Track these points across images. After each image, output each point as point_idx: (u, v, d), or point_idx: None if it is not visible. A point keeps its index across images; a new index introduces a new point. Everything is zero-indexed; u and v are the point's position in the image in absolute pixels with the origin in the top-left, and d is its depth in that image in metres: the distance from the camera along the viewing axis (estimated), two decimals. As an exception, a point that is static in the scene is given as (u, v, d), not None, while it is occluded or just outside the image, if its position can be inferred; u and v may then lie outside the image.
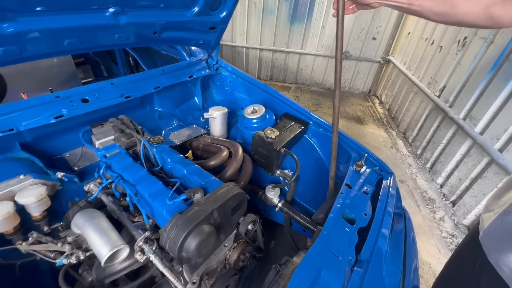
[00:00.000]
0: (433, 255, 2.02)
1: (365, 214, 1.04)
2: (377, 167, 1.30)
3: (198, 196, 0.88)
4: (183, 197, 0.86)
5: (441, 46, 3.01)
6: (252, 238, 1.24)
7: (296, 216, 1.28)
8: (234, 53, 5.03)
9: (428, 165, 2.95)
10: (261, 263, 1.40)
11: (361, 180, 1.20)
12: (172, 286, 0.99)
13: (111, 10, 1.03)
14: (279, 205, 1.31)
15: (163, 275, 1.05)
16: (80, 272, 0.96)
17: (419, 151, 3.17)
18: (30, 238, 0.84)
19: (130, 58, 3.01)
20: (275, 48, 4.79)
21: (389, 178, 1.25)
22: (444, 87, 2.87)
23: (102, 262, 0.72)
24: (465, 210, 2.28)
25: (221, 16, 1.42)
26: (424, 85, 3.27)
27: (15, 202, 0.93)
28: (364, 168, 1.27)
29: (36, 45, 0.93)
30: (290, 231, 1.45)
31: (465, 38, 2.59)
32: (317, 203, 1.38)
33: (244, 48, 4.92)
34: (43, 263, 1.08)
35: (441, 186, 2.68)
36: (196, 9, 1.28)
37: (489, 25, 0.71)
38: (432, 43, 3.20)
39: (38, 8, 0.86)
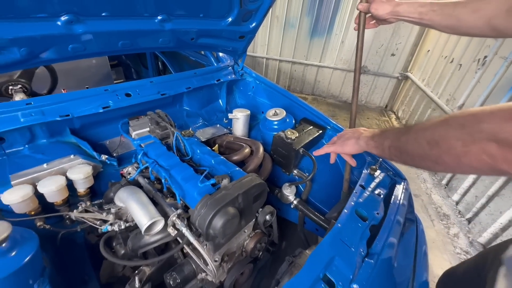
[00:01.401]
0: (445, 269, 1.99)
1: (378, 213, 1.10)
2: (391, 172, 1.35)
3: (225, 181, 0.98)
4: (212, 181, 0.97)
5: (461, 64, 3.03)
6: (267, 232, 1.32)
7: (310, 213, 1.35)
8: (255, 63, 5.23)
9: (444, 182, 2.92)
10: (273, 258, 1.46)
11: (374, 183, 1.26)
12: (193, 265, 1.08)
13: (159, 17, 1.19)
14: (295, 202, 1.39)
15: (184, 256, 1.15)
16: (114, 245, 1.08)
17: (435, 168, 3.14)
18: (79, 207, 0.97)
19: (159, 63, 3.23)
20: (294, 60, 4.94)
21: (402, 183, 1.30)
22: (463, 104, 2.88)
23: (143, 230, 0.83)
24: (481, 227, 2.25)
25: (250, 26, 1.56)
26: (442, 102, 3.28)
27: (66, 177, 1.07)
28: (378, 172, 1.33)
29: (97, 44, 1.10)
30: (303, 230, 1.51)
31: (485, 57, 2.62)
32: (331, 204, 1.44)
33: (264, 59, 5.11)
34: (79, 237, 1.21)
35: (457, 203, 2.65)
36: (230, 19, 1.43)
37: (495, 35, 0.78)
38: (452, 61, 3.23)
39: (104, 14, 1.02)
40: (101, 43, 1.10)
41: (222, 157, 1.18)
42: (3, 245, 0.71)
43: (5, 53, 0.90)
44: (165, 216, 0.95)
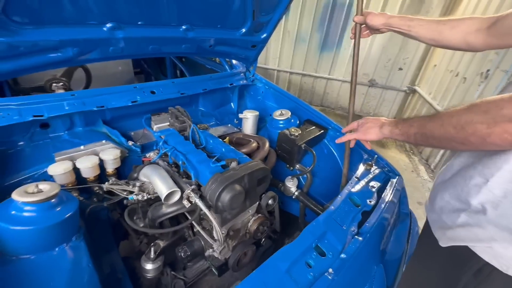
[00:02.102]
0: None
1: (370, 201, 1.21)
2: (386, 169, 1.46)
3: (234, 164, 1.13)
4: (222, 163, 1.12)
5: (465, 78, 3.12)
6: (270, 221, 1.45)
7: (310, 203, 1.47)
8: (266, 75, 5.47)
9: (449, 192, 2.94)
10: (275, 246, 1.57)
11: (370, 176, 1.37)
12: (202, 242, 1.22)
13: (183, 27, 1.40)
14: (296, 193, 1.52)
15: (194, 234, 1.29)
16: (134, 218, 1.23)
17: (441, 178, 3.17)
18: (110, 180, 1.14)
19: (178, 71, 3.50)
20: (304, 72, 5.16)
21: (396, 178, 1.41)
22: (468, 116, 2.94)
23: (163, 197, 0.99)
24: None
25: (262, 37, 1.77)
26: (448, 114, 3.34)
27: (99, 158, 1.25)
28: (374, 168, 1.44)
29: (132, 47, 1.31)
30: (304, 221, 1.62)
31: (488, 70, 2.71)
32: (330, 197, 1.56)
33: (276, 71, 5.35)
34: (103, 214, 1.37)
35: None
36: (244, 30, 1.63)
37: (468, 49, 0.96)
38: (457, 75, 3.33)
39: (139, 22, 1.24)
40: (135, 46, 1.32)
41: (231, 147, 1.34)
42: (53, 200, 0.88)
43: (62, 51, 1.12)
44: (181, 191, 1.10)
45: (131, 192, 1.09)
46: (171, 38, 1.40)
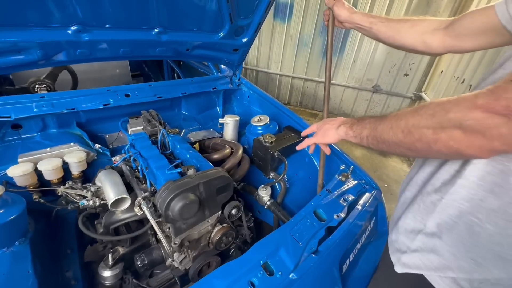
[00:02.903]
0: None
1: (337, 216, 1.13)
2: (363, 181, 1.37)
3: (191, 171, 1.09)
4: (179, 170, 1.08)
5: (471, 85, 2.95)
6: (239, 231, 1.39)
7: (281, 215, 1.39)
8: (268, 79, 5.43)
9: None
10: (247, 257, 1.51)
11: (342, 189, 1.29)
12: (162, 251, 1.18)
13: (156, 30, 1.38)
14: (268, 203, 1.45)
15: (157, 241, 1.25)
16: (95, 223, 1.21)
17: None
18: (66, 184, 1.12)
19: (175, 74, 3.53)
20: (307, 77, 5.07)
21: (372, 192, 1.31)
22: (473, 126, 2.77)
23: (109, 204, 0.96)
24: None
25: (243, 40, 1.73)
26: (453, 123, 3.16)
27: (63, 161, 1.25)
28: (349, 179, 1.35)
29: (101, 50, 1.30)
30: (278, 233, 1.55)
31: (494, 78, 2.53)
32: (306, 209, 1.48)
33: (278, 75, 5.30)
34: (71, 217, 1.36)
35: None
36: (222, 34, 1.60)
37: (423, 49, 0.89)
38: (463, 82, 3.15)
39: (107, 25, 1.23)
40: (104, 50, 1.31)
41: (197, 153, 1.30)
42: (-6, 203, 0.87)
43: (25, 54, 1.12)
44: (136, 198, 1.07)
45: (85, 197, 1.07)
46: (143, 41, 1.39)
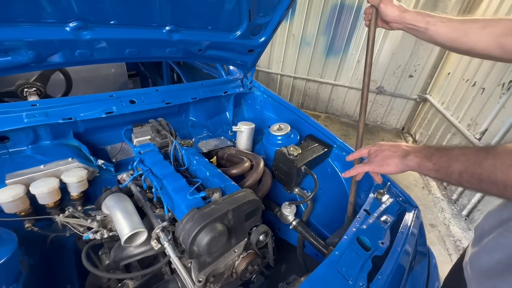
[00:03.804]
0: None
1: (382, 243, 0.99)
2: (401, 198, 1.24)
3: (216, 196, 0.93)
4: (202, 194, 0.92)
5: (484, 88, 2.88)
6: (262, 254, 1.24)
7: (310, 236, 1.25)
8: (269, 79, 5.28)
9: (464, 212, 2.69)
10: (268, 282, 1.36)
11: (381, 209, 1.15)
12: (179, 283, 1.01)
13: (167, 28, 1.21)
14: (294, 223, 1.30)
15: (172, 272, 1.09)
16: (100, 254, 1.04)
17: (454, 196, 2.92)
18: (66, 212, 0.94)
19: (175, 74, 3.32)
20: (309, 77, 4.94)
21: (413, 211, 1.19)
22: (486, 130, 2.70)
23: (123, 240, 0.79)
24: (507, 268, 2.00)
25: (260, 40, 1.57)
26: (463, 126, 3.10)
27: (61, 180, 1.06)
28: (386, 197, 1.22)
29: (104, 51, 1.12)
30: (303, 254, 1.41)
31: (510, 81, 2.46)
32: (334, 228, 1.34)
33: (279, 75, 5.15)
34: (69, 242, 1.18)
35: (479, 237, 2.41)
36: (239, 33, 1.43)
37: (499, 55, 0.74)
38: (474, 85, 3.08)
39: (112, 22, 1.05)
40: (108, 50, 1.13)
41: (218, 170, 1.14)
42: (-21, 245, 0.69)
43: (13, 55, 0.93)
44: (151, 228, 0.90)
45: (90, 228, 0.90)
46: (152, 40, 1.21)
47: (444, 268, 2.16)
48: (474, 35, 0.77)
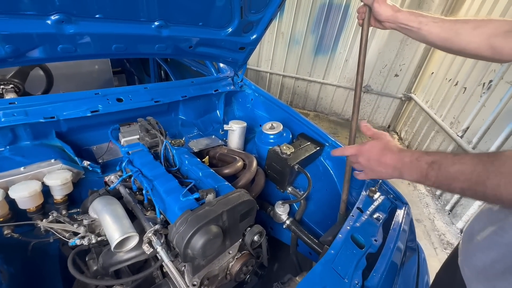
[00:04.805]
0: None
1: (376, 240, 1.01)
2: (392, 196, 1.27)
3: (210, 197, 0.90)
4: (196, 196, 0.89)
5: (465, 88, 2.99)
6: (256, 254, 1.22)
7: (303, 235, 1.25)
8: (258, 77, 5.26)
9: (447, 207, 2.80)
10: (262, 282, 1.35)
11: (373, 206, 1.17)
12: (171, 287, 0.98)
13: (156, 23, 1.16)
14: (287, 222, 1.30)
15: (163, 276, 1.05)
16: (87, 259, 0.99)
17: (438, 192, 3.03)
18: (50, 216, 0.89)
19: (162, 71, 3.24)
20: (298, 76, 4.97)
21: (404, 207, 1.21)
22: (468, 128, 2.81)
23: (113, 246, 0.75)
24: (487, 260, 2.10)
25: (251, 38, 1.54)
26: (446, 124, 3.21)
27: (43, 183, 1.00)
28: (377, 194, 1.24)
29: (89, 46, 1.06)
30: (296, 252, 1.41)
31: (490, 81, 2.58)
32: (327, 226, 1.35)
33: (268, 74, 5.14)
34: (53, 249, 1.12)
35: (461, 231, 2.51)
36: (230, 29, 1.40)
37: (490, 55, 0.76)
38: (456, 84, 3.20)
39: (97, 15, 0.99)
40: (93, 46, 1.07)
41: (211, 170, 1.11)
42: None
43: (-13, 49, 0.86)
44: (142, 231, 0.87)
45: (76, 233, 0.85)
46: (141, 36, 1.16)
47: (430, 262, 2.23)
48: (465, 35, 0.79)
